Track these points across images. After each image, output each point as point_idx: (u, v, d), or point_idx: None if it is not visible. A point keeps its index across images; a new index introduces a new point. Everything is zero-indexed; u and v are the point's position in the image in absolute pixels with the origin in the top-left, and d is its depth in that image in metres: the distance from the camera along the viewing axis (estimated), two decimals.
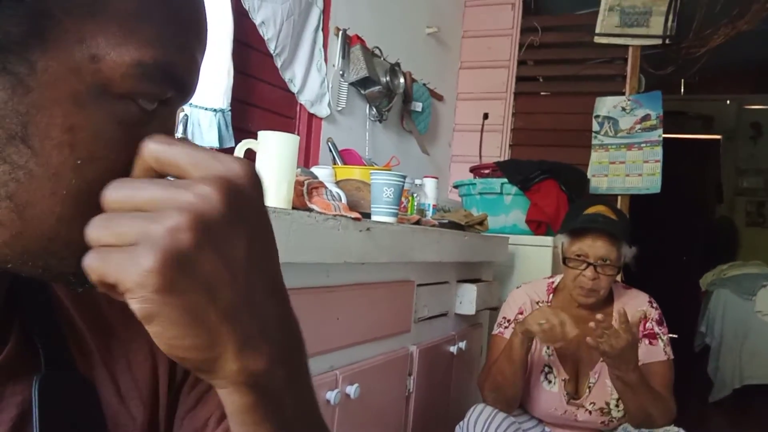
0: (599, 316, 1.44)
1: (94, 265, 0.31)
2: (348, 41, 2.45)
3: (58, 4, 0.31)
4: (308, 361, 0.40)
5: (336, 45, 2.41)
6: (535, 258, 2.55)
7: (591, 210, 1.66)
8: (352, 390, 1.31)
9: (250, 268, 0.32)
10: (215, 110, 1.84)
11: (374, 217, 1.49)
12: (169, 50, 0.34)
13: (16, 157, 0.31)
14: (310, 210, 1.25)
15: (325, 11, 2.33)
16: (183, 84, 0.36)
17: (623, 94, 3.21)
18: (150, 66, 0.33)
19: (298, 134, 2.33)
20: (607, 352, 1.43)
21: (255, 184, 0.33)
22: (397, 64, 2.70)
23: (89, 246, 0.32)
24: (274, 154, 1.15)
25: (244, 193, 0.32)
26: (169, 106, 0.37)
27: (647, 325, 1.67)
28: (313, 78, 2.30)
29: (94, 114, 0.33)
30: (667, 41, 3.12)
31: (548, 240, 2.54)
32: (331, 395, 1.24)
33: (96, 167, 0.33)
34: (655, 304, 1.72)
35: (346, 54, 2.44)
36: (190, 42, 0.37)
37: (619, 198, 3.17)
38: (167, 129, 0.38)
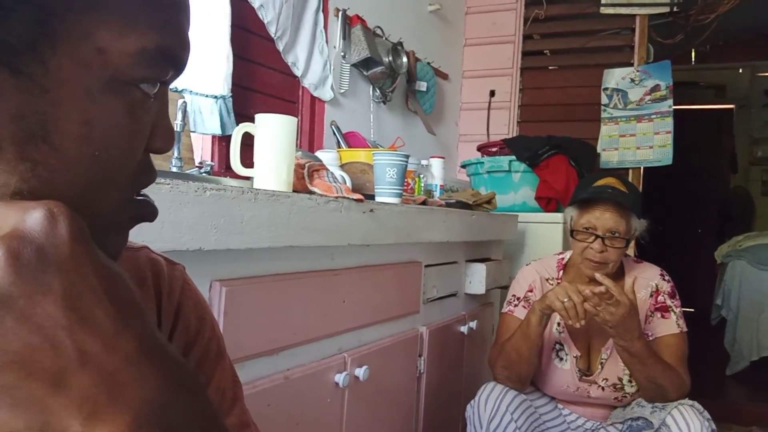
0: (599, 288, 1.43)
1: None
2: (348, 22, 2.41)
3: (60, 1, 0.31)
4: (210, 411, 0.35)
5: (336, 26, 2.38)
6: (545, 235, 2.53)
7: (600, 182, 1.64)
8: (361, 372, 1.31)
9: (73, 325, 0.28)
10: (216, 97, 1.83)
11: (378, 198, 1.47)
12: (166, 33, 0.35)
13: (37, 154, 0.32)
14: (311, 193, 1.24)
15: None
16: (180, 63, 0.37)
17: (632, 65, 3.15)
18: (152, 52, 0.34)
19: (301, 118, 2.31)
20: (608, 320, 1.43)
21: (51, 231, 0.29)
22: (400, 44, 2.66)
23: (102, 229, 0.33)
24: (271, 136, 1.14)
25: (38, 246, 0.28)
26: (165, 85, 0.39)
27: (659, 298, 1.65)
28: (315, 61, 2.27)
29: (107, 105, 0.34)
30: (674, 9, 3.05)
31: (558, 216, 2.51)
32: (340, 378, 1.24)
33: (111, 156, 0.35)
34: (667, 277, 1.70)
35: (346, 35, 2.41)
36: (182, 21, 0.38)
37: (631, 171, 3.12)
38: (164, 106, 0.39)
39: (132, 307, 0.31)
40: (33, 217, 0.29)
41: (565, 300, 1.44)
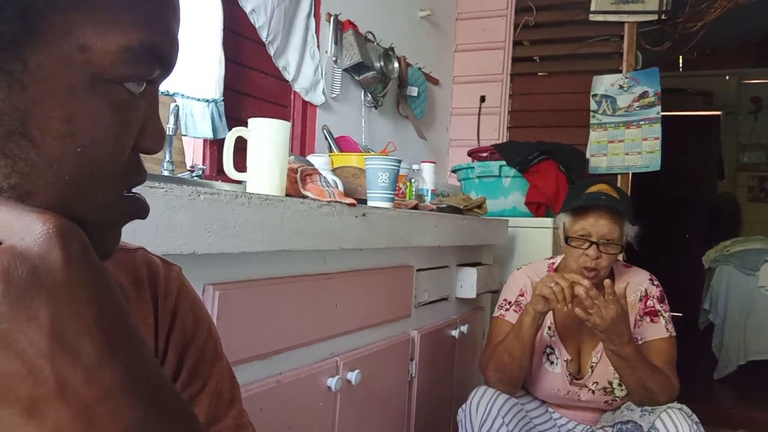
0: (586, 283, 1.44)
1: None
2: (340, 27, 2.42)
3: None
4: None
5: (328, 31, 2.38)
6: (535, 240, 2.55)
7: (593, 189, 1.65)
8: (353, 376, 1.31)
9: (56, 354, 0.27)
10: (208, 101, 1.83)
11: (370, 203, 1.48)
12: (151, 31, 0.35)
13: (17, 150, 0.32)
14: (304, 197, 1.24)
15: None
16: (167, 61, 0.37)
17: (620, 71, 3.18)
18: (137, 49, 0.34)
19: (293, 123, 2.31)
20: (597, 324, 1.44)
21: (48, 252, 0.28)
22: (391, 49, 2.67)
23: (94, 225, 0.34)
24: (265, 140, 1.14)
25: (31, 267, 0.27)
26: (154, 84, 0.38)
27: (648, 302, 1.67)
28: (307, 65, 2.28)
29: (90, 102, 0.33)
30: (663, 16, 3.09)
31: (548, 221, 2.53)
32: (332, 382, 1.24)
33: (96, 153, 0.34)
34: (656, 282, 1.72)
35: (338, 40, 2.42)
36: (169, 19, 0.37)
37: (619, 177, 3.15)
38: (154, 106, 0.39)
39: (125, 335, 0.30)
40: (32, 235, 0.28)
41: (552, 285, 1.47)
